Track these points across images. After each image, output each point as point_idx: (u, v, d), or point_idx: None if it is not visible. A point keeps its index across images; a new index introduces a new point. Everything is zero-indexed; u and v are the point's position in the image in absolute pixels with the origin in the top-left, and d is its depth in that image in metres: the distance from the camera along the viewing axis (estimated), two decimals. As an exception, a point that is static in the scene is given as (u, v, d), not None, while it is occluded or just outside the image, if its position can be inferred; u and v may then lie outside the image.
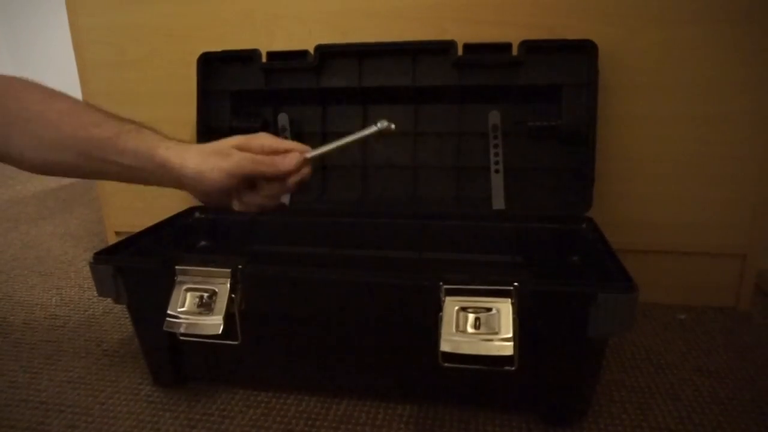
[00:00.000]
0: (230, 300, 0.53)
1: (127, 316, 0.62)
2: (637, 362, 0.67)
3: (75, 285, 0.94)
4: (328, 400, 0.60)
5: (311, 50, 0.77)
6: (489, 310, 0.48)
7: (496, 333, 0.47)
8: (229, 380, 0.63)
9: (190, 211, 0.79)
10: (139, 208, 0.97)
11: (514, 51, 0.72)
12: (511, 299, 0.48)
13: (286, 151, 0.51)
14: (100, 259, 0.58)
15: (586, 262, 0.68)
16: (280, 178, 0.50)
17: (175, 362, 0.62)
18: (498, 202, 0.75)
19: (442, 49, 0.74)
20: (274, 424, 0.56)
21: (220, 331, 0.52)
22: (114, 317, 0.81)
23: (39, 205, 1.51)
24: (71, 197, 1.55)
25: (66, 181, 1.71)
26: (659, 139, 0.76)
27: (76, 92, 0.92)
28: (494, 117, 0.74)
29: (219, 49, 0.80)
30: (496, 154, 0.75)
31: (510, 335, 0.46)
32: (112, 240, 0.99)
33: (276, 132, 0.81)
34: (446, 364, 0.48)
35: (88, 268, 0.58)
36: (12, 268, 1.02)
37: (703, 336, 0.73)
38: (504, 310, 0.47)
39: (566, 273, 0.70)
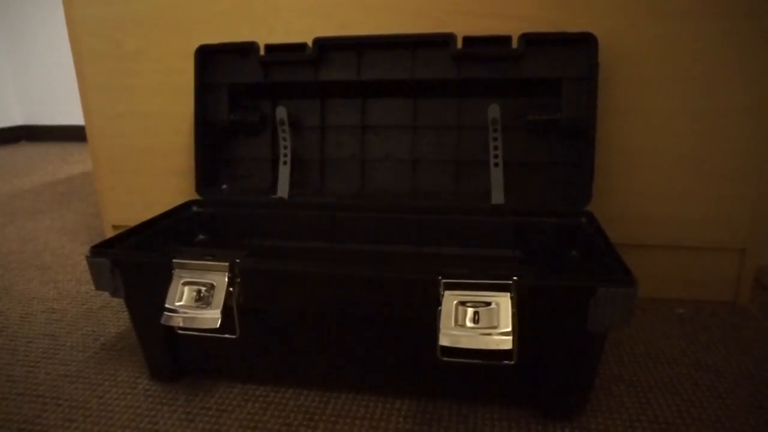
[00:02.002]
0: (228, 294, 0.53)
1: (125, 309, 0.62)
2: (635, 357, 0.67)
3: (72, 278, 0.94)
4: (326, 395, 0.60)
5: (310, 43, 0.77)
6: (488, 304, 0.48)
7: (495, 327, 0.47)
8: (227, 374, 0.63)
9: (188, 204, 0.79)
10: (136, 202, 0.96)
11: (514, 44, 0.72)
12: (511, 293, 0.47)
13: None
14: (97, 252, 0.58)
15: (586, 256, 0.68)
16: None
17: (172, 356, 0.61)
18: (497, 197, 0.75)
19: (441, 41, 0.73)
20: (272, 418, 0.56)
21: (218, 325, 0.52)
22: (111, 311, 0.81)
23: (36, 198, 1.51)
24: (68, 191, 1.54)
25: (63, 175, 1.70)
26: (659, 133, 0.76)
27: (73, 85, 0.92)
28: (494, 110, 0.74)
29: (217, 41, 0.80)
30: (496, 148, 0.75)
31: (509, 329, 0.46)
32: (110, 234, 0.98)
33: (274, 125, 0.81)
34: (445, 359, 0.48)
35: (85, 262, 0.58)
36: (9, 262, 1.02)
37: (702, 330, 0.73)
38: (503, 304, 0.47)
39: (565, 267, 0.70)
